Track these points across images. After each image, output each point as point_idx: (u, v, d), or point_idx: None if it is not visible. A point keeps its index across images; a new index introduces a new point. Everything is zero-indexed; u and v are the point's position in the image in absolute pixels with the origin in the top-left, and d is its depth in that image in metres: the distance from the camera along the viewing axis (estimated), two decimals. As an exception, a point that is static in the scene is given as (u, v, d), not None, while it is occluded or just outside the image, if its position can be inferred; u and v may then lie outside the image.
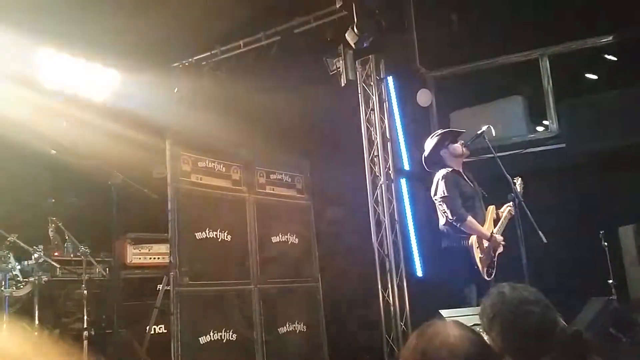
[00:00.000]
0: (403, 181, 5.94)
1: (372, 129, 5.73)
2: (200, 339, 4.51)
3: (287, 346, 5.08)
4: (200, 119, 5.78)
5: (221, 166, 5.22)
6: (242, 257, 5.05)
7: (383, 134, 5.65)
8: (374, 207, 5.40)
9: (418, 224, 5.82)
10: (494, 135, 4.36)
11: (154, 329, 4.79)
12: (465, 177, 4.45)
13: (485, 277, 4.18)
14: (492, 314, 1.98)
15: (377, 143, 5.58)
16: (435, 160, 4.48)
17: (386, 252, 5.17)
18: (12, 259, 3.93)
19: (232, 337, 4.69)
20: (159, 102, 6.19)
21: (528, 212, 3.97)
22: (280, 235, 5.41)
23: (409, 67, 6.53)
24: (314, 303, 5.46)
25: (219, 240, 4.95)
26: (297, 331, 5.22)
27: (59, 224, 4.59)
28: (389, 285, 5.06)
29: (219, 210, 5.05)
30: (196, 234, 4.81)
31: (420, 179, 5.66)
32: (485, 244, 4.24)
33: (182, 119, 5.78)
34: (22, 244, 4.12)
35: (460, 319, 2.25)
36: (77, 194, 4.94)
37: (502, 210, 4.39)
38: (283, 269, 5.29)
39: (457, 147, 4.42)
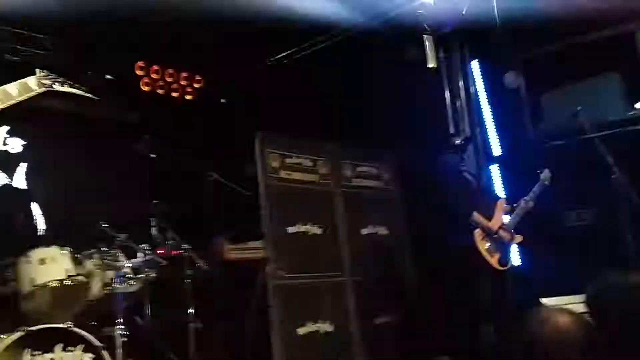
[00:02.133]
0: (493, 167, 5.78)
1: (458, 116, 5.64)
2: (298, 330, 4.64)
3: (384, 336, 5.12)
4: (286, 115, 5.94)
5: (308, 161, 5.34)
6: (333, 249, 5.14)
7: (470, 121, 5.54)
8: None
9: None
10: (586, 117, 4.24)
11: (254, 321, 4.97)
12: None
13: (498, 267, 4.34)
14: (600, 300, 1.93)
15: (464, 130, 5.48)
16: None
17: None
18: (122, 257, 4.22)
19: (329, 328, 4.81)
20: (246, 99, 6.44)
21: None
22: (369, 227, 5.45)
23: (495, 49, 6.32)
24: (409, 293, 5.45)
25: (310, 233, 5.07)
26: (394, 321, 5.24)
27: (161, 224, 4.87)
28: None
29: (309, 205, 5.17)
30: (288, 229, 4.96)
31: (512, 165, 5.50)
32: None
33: (270, 115, 5.96)
34: (130, 243, 4.41)
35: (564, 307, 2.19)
36: (176, 194, 5.21)
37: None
38: (374, 260, 5.33)
39: None
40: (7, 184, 5.06)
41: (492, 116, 5.89)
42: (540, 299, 3.39)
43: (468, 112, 5.92)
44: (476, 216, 4.38)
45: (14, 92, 1.94)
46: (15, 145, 5.60)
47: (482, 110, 5.92)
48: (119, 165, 5.55)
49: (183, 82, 6.39)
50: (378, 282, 5.24)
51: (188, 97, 6.44)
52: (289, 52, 6.17)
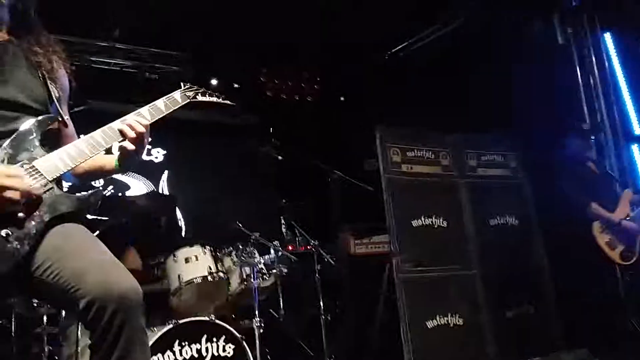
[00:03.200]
0: (635, 147, 5.34)
1: (592, 94, 5.27)
2: (427, 323, 4.63)
3: (516, 329, 4.95)
4: (405, 108, 5.92)
5: (430, 153, 5.27)
6: (460, 242, 5.05)
7: (605, 98, 5.15)
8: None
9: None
10: None
11: (382, 314, 5.05)
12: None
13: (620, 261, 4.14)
14: None
15: (599, 108, 5.11)
16: None
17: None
18: (256, 254, 4.49)
19: (458, 321, 4.74)
20: (365, 94, 6.51)
21: None
22: (498, 218, 5.28)
23: (630, 19, 5.81)
24: (541, 284, 5.21)
25: (435, 226, 5.02)
26: (526, 313, 5.05)
27: (290, 221, 5.11)
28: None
29: (433, 197, 5.11)
30: (412, 222, 4.94)
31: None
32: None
33: (389, 110, 5.98)
34: (263, 241, 4.68)
35: None
36: (302, 193, 5.43)
37: None
38: (504, 251, 5.15)
39: None
40: (153, 190, 5.61)
41: (629, 92, 5.43)
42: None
43: (603, 89, 5.51)
44: (594, 207, 4.12)
45: (162, 106, 2.07)
46: (158, 155, 6.20)
47: (619, 86, 5.48)
48: (249, 168, 5.89)
49: (303, 84, 6.61)
50: (508, 274, 5.06)
51: (309, 98, 6.67)
52: (405, 43, 6.14)
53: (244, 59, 6.20)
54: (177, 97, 2.17)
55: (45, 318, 3.66)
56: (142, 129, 1.91)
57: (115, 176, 5.77)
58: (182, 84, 2.29)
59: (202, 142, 5.86)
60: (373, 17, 5.43)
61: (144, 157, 5.59)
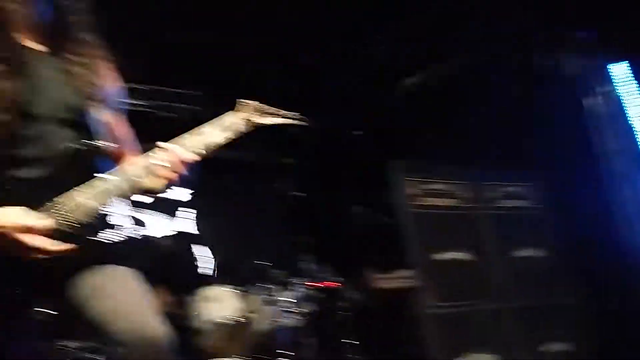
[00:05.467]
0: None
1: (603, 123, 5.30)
2: (455, 360, 4.56)
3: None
4: (422, 141, 5.95)
5: (449, 186, 5.28)
6: (485, 275, 5.00)
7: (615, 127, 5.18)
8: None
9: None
10: None
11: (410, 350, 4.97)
12: None
13: None
14: None
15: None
16: None
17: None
18: (281, 292, 4.46)
19: (487, 358, 4.66)
20: (380, 128, 6.54)
21: None
22: (523, 249, 5.24)
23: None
24: (576, 320, 5.12)
25: (460, 260, 4.99)
26: (564, 351, 4.96)
27: (312, 257, 5.08)
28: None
29: (454, 230, 5.08)
30: (434, 256, 4.92)
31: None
32: None
33: (406, 142, 6.00)
34: (286, 278, 4.65)
35: None
36: (322, 228, 5.42)
37: None
38: (533, 285, 5.08)
39: None
40: (179, 229, 5.62)
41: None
42: None
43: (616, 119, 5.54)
44: None
45: (218, 137, 1.89)
46: (183, 193, 6.21)
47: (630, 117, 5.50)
48: (269, 205, 5.90)
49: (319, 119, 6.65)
50: (539, 308, 4.98)
51: (325, 132, 6.69)
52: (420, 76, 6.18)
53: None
54: (236, 121, 1.91)
55: None
56: (181, 168, 1.82)
57: (138, 215, 5.79)
58: (237, 103, 1.97)
59: (224, 180, 5.89)
60: (385, 48, 5.49)
61: (170, 195, 5.63)
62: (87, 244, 1.75)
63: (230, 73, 5.70)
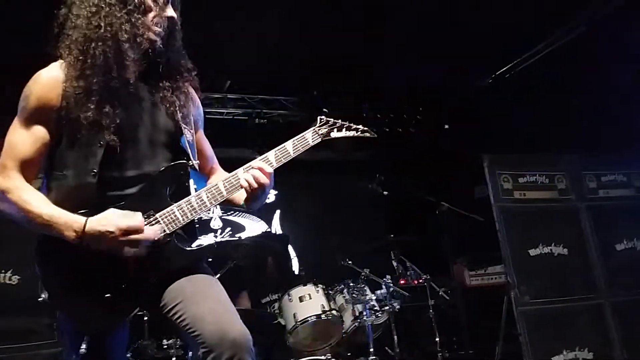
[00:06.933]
0: None
1: None
2: (553, 358, 4.36)
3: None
4: (513, 132, 5.72)
5: (544, 177, 5.05)
6: (584, 269, 4.74)
7: None
8: None
9: None
10: None
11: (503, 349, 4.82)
12: None
13: None
14: None
15: None
16: None
17: None
18: (368, 291, 4.50)
19: (588, 355, 4.41)
20: (470, 121, 6.37)
21: None
22: (625, 242, 4.89)
23: None
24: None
25: (555, 254, 4.76)
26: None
27: (400, 256, 5.08)
28: None
29: (550, 224, 4.86)
30: (530, 251, 4.73)
31: None
32: None
33: (495, 135, 5.80)
34: (373, 277, 4.69)
35: None
36: (411, 226, 5.38)
37: None
38: (634, 278, 4.74)
39: None
40: (266, 231, 5.84)
41: None
42: None
43: None
44: None
45: (290, 149, 2.08)
46: (270, 195, 6.45)
47: None
48: (357, 204, 5.96)
49: (405, 116, 6.61)
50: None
51: (412, 129, 6.65)
52: (509, 65, 5.96)
53: (345, 95, 6.31)
54: (309, 137, 2.11)
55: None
56: (264, 180, 1.98)
57: (232, 218, 6.12)
58: (319, 119, 2.18)
59: (311, 181, 6.04)
60: (472, 41, 5.34)
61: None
62: (179, 253, 1.93)
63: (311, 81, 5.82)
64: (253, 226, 6.22)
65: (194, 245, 2.00)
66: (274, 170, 2.04)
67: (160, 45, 1.99)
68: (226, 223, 6.06)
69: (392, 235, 5.03)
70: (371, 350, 4.10)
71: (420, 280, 4.87)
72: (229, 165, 2.17)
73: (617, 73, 5.05)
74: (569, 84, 5.31)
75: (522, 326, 4.41)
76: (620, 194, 5.10)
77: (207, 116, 2.36)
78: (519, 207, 4.87)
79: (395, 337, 4.40)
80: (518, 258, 4.66)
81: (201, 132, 2.24)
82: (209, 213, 5.64)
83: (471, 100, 6.28)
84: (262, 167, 2.00)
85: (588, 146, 5.19)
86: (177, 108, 2.04)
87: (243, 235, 5.98)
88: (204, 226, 5.71)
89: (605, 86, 5.12)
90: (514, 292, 4.52)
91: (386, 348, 4.57)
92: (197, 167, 2.06)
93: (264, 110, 6.31)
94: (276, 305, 4.41)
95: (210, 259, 2.08)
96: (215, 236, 5.81)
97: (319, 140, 2.15)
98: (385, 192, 5.23)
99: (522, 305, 4.49)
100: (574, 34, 5.19)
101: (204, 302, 1.86)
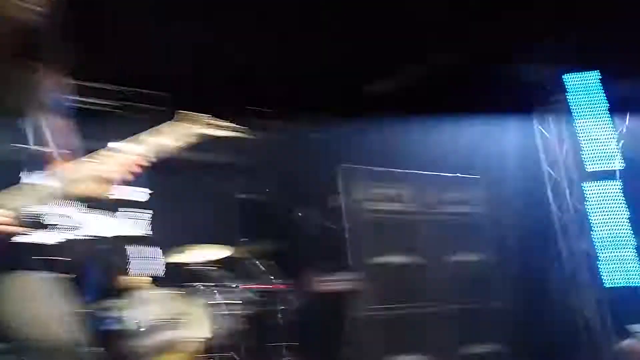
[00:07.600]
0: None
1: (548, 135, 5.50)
2: (390, 361, 4.63)
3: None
4: (369, 145, 5.98)
5: (393, 190, 5.35)
6: (423, 278, 5.09)
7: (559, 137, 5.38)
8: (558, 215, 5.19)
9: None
10: None
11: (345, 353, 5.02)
12: None
13: None
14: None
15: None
16: None
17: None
18: (220, 295, 4.44)
19: None
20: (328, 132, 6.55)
21: None
22: (459, 254, 5.35)
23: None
24: (504, 324, 5.25)
25: (398, 263, 5.06)
26: (490, 352, 5.08)
27: (253, 260, 5.08)
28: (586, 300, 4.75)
29: (395, 234, 5.16)
30: (375, 259, 4.99)
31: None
32: None
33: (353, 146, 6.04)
34: (226, 281, 4.64)
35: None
36: (263, 230, 5.42)
37: None
38: (467, 288, 5.20)
39: None
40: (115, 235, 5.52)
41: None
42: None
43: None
44: None
45: (169, 142, 1.86)
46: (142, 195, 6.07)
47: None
48: (214, 207, 5.85)
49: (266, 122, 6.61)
50: (473, 311, 5.10)
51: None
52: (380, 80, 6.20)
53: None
54: (186, 135, 1.88)
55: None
56: (122, 175, 1.81)
57: (78, 215, 5.65)
58: (177, 114, 1.93)
59: (174, 181, 5.78)
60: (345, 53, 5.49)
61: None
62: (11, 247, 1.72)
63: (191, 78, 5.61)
64: (109, 223, 5.80)
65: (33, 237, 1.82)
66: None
67: None
68: (71, 218, 5.59)
69: (245, 239, 5.02)
70: (222, 354, 4.05)
71: (272, 285, 4.91)
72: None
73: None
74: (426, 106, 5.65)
75: (363, 331, 4.64)
76: (459, 210, 5.55)
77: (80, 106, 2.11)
78: (369, 216, 5.12)
79: (243, 341, 4.39)
80: (364, 265, 4.90)
81: (61, 118, 1.97)
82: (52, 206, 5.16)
83: (334, 112, 6.44)
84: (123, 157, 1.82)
85: (434, 165, 5.59)
86: (29, 87, 1.82)
87: (94, 231, 5.57)
88: (44, 218, 5.20)
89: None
90: (359, 298, 4.74)
91: (232, 354, 4.53)
92: (40, 155, 1.85)
93: (141, 105, 5.92)
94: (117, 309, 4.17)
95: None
96: (57, 230, 5.33)
97: (189, 134, 1.90)
98: (242, 195, 5.21)
99: (363, 311, 4.72)
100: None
101: (35, 304, 1.74)
